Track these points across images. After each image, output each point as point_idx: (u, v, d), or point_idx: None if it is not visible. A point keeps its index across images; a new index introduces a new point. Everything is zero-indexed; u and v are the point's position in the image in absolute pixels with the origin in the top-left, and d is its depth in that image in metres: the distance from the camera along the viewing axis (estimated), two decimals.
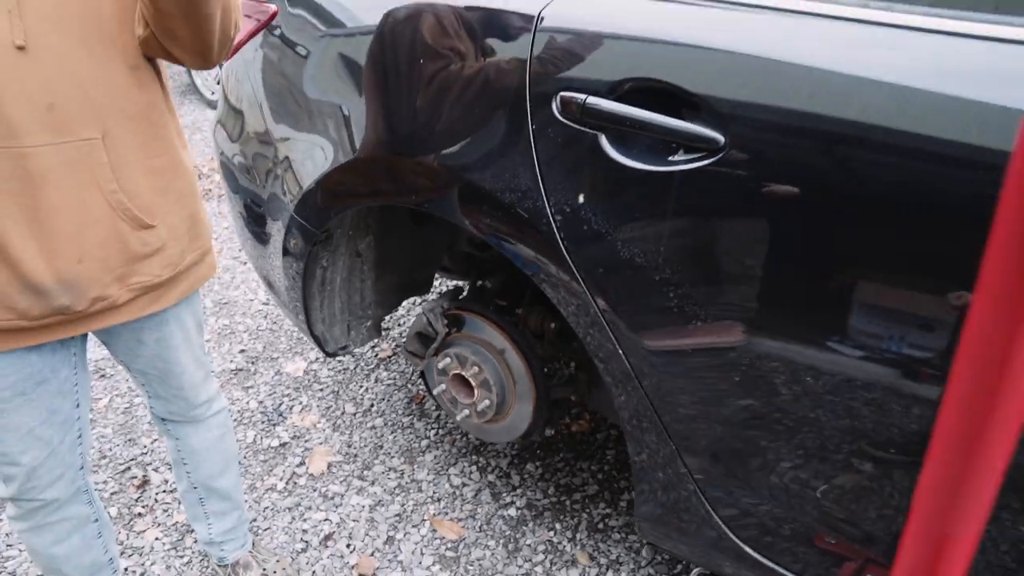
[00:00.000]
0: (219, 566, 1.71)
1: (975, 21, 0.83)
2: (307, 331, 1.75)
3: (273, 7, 1.58)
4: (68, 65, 1.00)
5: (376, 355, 2.57)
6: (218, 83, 5.69)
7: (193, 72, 5.95)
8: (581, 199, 1.08)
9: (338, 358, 2.56)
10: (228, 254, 3.44)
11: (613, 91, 1.03)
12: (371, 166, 1.36)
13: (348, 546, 1.81)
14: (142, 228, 1.14)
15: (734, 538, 1.16)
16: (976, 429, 0.37)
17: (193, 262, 1.26)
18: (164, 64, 1.17)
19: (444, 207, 1.28)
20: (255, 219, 1.76)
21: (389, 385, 2.41)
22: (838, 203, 0.89)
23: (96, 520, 1.41)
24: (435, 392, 1.64)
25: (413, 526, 1.85)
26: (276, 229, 1.64)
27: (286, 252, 1.66)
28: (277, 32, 1.58)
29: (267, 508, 1.96)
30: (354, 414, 2.28)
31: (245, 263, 3.33)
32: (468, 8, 1.20)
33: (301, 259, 1.62)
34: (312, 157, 1.49)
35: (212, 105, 5.92)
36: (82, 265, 1.08)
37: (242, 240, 2.02)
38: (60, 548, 1.36)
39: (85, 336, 1.26)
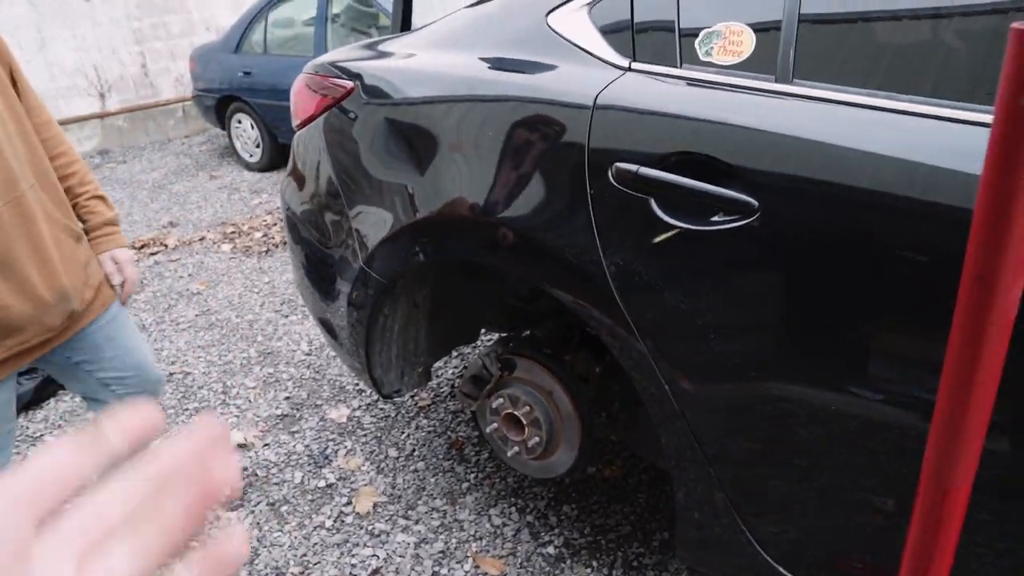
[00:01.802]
0: None
1: (965, 110, 0.99)
2: (366, 373, 1.91)
3: (349, 84, 1.78)
4: (15, 130, 1.40)
5: (416, 404, 2.71)
6: (258, 147, 5.95)
7: (233, 136, 6.26)
8: (633, 254, 1.25)
9: (380, 405, 2.70)
10: (270, 307, 3.62)
11: (661, 162, 1.21)
12: (446, 224, 1.54)
13: None
14: (78, 239, 1.54)
15: (769, 559, 1.28)
16: (963, 408, 0.52)
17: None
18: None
19: (509, 261, 1.45)
20: (322, 271, 1.94)
21: (429, 432, 2.54)
22: (853, 260, 1.04)
23: None
24: (487, 431, 1.78)
25: (457, 562, 1.96)
26: (344, 280, 1.82)
27: (350, 303, 1.83)
28: (349, 112, 1.78)
29: (316, 544, 2.08)
30: (397, 458, 2.41)
31: (287, 316, 3.51)
32: (534, 89, 1.39)
33: (365, 308, 1.79)
34: (382, 217, 1.67)
35: (250, 167, 6.21)
36: (67, 277, 1.46)
37: (301, 288, 2.19)
38: None
39: None
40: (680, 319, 1.23)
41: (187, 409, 2.79)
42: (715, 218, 1.16)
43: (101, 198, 1.66)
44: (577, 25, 1.41)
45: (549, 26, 1.45)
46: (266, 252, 4.38)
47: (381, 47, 1.94)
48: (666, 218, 1.20)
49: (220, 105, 6.19)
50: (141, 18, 7.36)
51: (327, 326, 2.06)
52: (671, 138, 1.20)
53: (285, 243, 4.16)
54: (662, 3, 1.33)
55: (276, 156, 5.94)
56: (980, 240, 0.51)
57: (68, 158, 1.60)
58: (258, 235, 4.65)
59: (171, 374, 3.06)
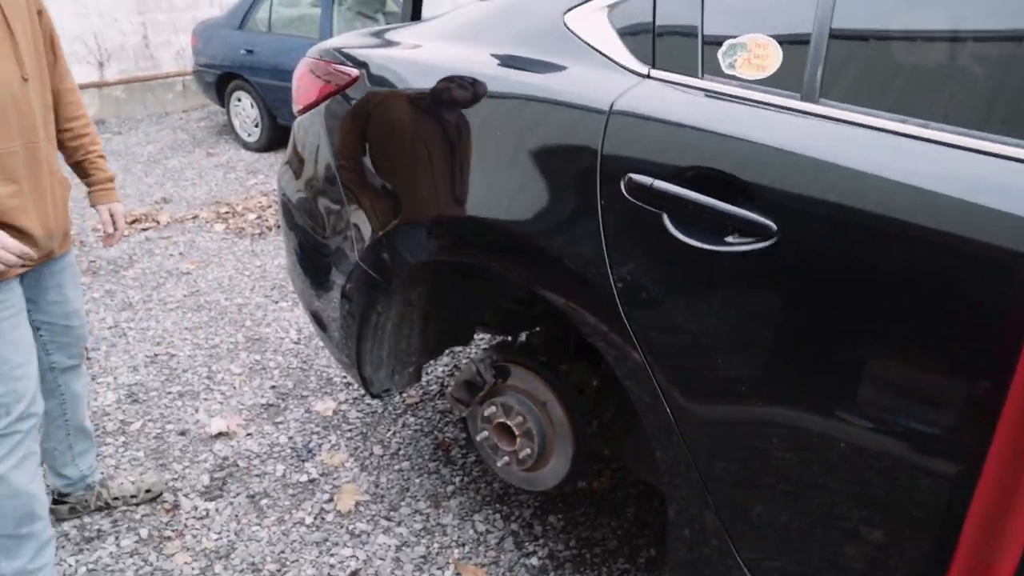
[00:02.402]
0: (87, 489, 2.09)
1: (993, 141, 0.94)
2: (356, 371, 1.85)
3: (354, 72, 1.73)
4: (41, 89, 1.62)
5: (404, 401, 2.66)
6: (256, 126, 5.87)
7: (232, 114, 6.17)
8: (642, 267, 1.20)
9: (367, 400, 2.65)
10: (260, 292, 3.56)
11: (678, 176, 1.16)
12: (445, 224, 1.49)
13: None
14: (67, 191, 1.74)
15: None
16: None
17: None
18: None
19: (508, 264, 1.40)
20: (316, 260, 1.88)
21: (416, 431, 2.49)
22: (868, 291, 1.00)
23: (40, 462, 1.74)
24: (477, 439, 1.74)
25: (438, 568, 1.92)
26: (339, 272, 1.77)
27: (344, 295, 1.78)
28: (352, 100, 1.72)
29: (295, 541, 2.03)
30: (382, 456, 2.36)
31: (277, 302, 3.45)
32: (547, 90, 1.34)
33: (358, 302, 1.74)
34: (379, 212, 1.62)
35: (247, 146, 6.13)
36: (54, 221, 1.66)
37: (293, 275, 2.13)
38: (34, 485, 1.65)
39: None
40: (685, 336, 1.18)
41: (170, 392, 2.73)
42: (730, 238, 1.11)
43: (104, 158, 1.90)
44: (596, 26, 1.36)
45: (566, 25, 1.40)
46: (259, 234, 4.31)
47: (389, 35, 1.88)
48: (679, 235, 1.15)
49: (220, 82, 6.09)
50: None
51: (317, 317, 2.00)
52: (689, 152, 1.15)
53: (279, 226, 4.10)
54: (686, 10, 1.27)
55: (275, 137, 5.86)
56: None
57: (85, 120, 1.84)
58: (252, 216, 4.58)
59: (156, 355, 3.00)
